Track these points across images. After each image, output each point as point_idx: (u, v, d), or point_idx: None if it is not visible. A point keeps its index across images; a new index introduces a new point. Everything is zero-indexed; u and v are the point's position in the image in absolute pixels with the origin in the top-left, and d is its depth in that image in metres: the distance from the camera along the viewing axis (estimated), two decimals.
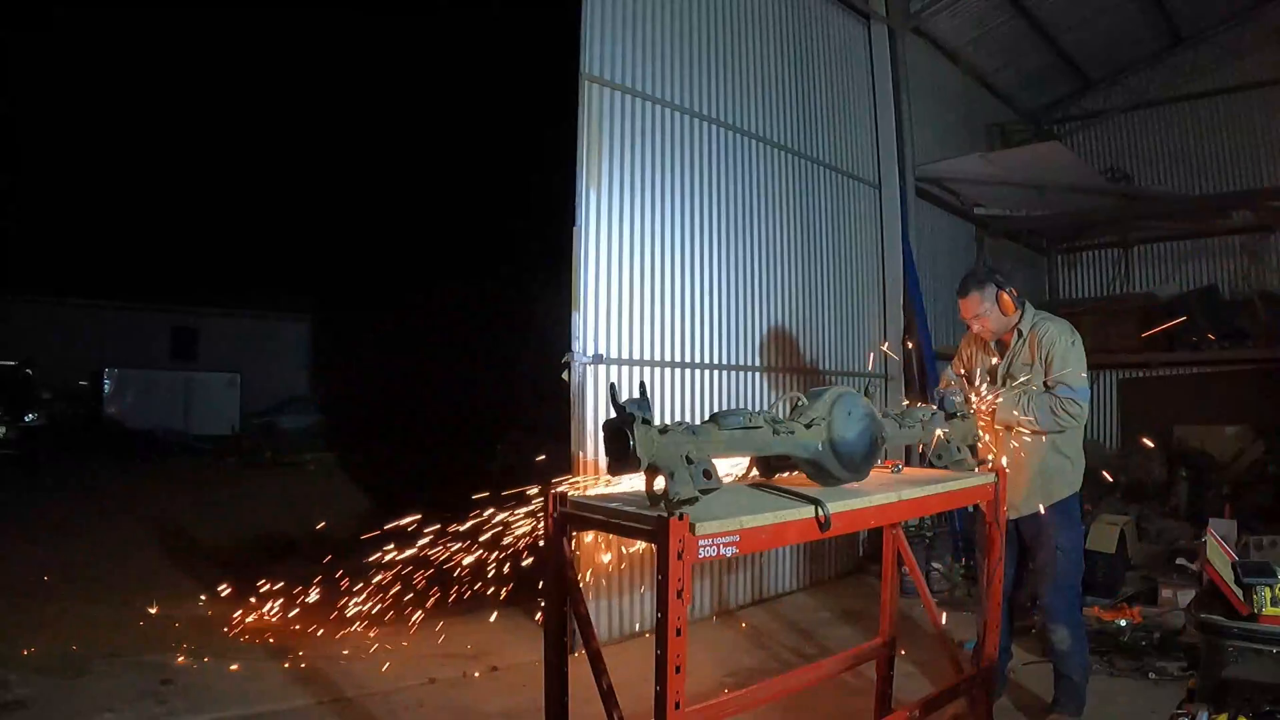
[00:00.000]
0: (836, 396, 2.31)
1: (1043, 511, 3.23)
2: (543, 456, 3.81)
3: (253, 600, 4.64)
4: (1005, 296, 3.26)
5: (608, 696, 2.06)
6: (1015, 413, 3.17)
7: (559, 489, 2.21)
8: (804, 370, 6.01)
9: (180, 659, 3.92)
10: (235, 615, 4.53)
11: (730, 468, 2.43)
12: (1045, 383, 3.21)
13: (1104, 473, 6.50)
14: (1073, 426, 3.19)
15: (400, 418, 15.70)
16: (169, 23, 18.66)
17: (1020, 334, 3.32)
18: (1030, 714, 3.40)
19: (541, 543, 2.27)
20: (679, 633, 1.74)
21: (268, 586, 4.61)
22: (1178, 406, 8.35)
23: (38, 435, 13.09)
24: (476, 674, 3.96)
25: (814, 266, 6.22)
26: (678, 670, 1.74)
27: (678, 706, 1.76)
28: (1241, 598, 2.39)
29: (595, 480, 2.52)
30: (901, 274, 6.85)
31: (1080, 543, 3.49)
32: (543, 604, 2.29)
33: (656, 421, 1.87)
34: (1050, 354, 3.20)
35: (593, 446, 4.29)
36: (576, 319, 4.43)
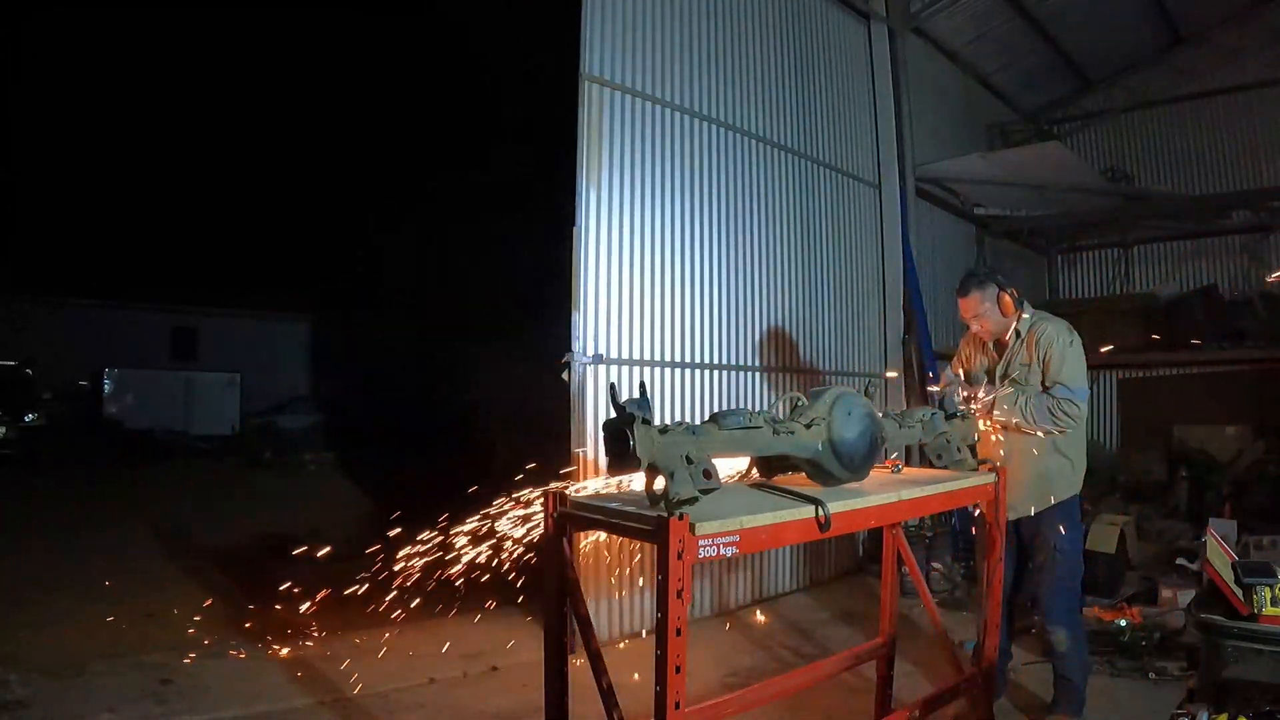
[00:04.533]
0: (836, 396, 2.31)
1: (1042, 513, 3.23)
2: (537, 461, 3.80)
3: (253, 600, 4.64)
4: (1005, 297, 3.26)
5: (608, 696, 2.06)
6: (1013, 413, 3.16)
7: (559, 489, 2.21)
8: (804, 370, 6.01)
9: (180, 659, 3.92)
10: (235, 615, 4.53)
11: (730, 468, 2.43)
12: (1043, 383, 3.21)
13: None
14: (1072, 427, 3.18)
15: (400, 418, 15.70)
16: (169, 22, 18.65)
17: (1018, 334, 3.31)
18: (1030, 714, 3.40)
19: (540, 543, 2.27)
20: (679, 633, 1.74)
21: (267, 587, 4.61)
22: (1178, 406, 8.35)
23: (38, 435, 13.08)
24: (477, 674, 3.95)
25: (814, 266, 6.21)
26: (678, 670, 1.74)
27: (678, 706, 1.76)
28: (1241, 598, 2.38)
29: (594, 477, 2.51)
30: (901, 274, 6.85)
31: (1080, 544, 3.48)
32: (543, 604, 2.29)
33: (656, 421, 1.87)
34: (1048, 354, 3.19)
35: (593, 446, 4.29)
36: (576, 319, 4.43)
